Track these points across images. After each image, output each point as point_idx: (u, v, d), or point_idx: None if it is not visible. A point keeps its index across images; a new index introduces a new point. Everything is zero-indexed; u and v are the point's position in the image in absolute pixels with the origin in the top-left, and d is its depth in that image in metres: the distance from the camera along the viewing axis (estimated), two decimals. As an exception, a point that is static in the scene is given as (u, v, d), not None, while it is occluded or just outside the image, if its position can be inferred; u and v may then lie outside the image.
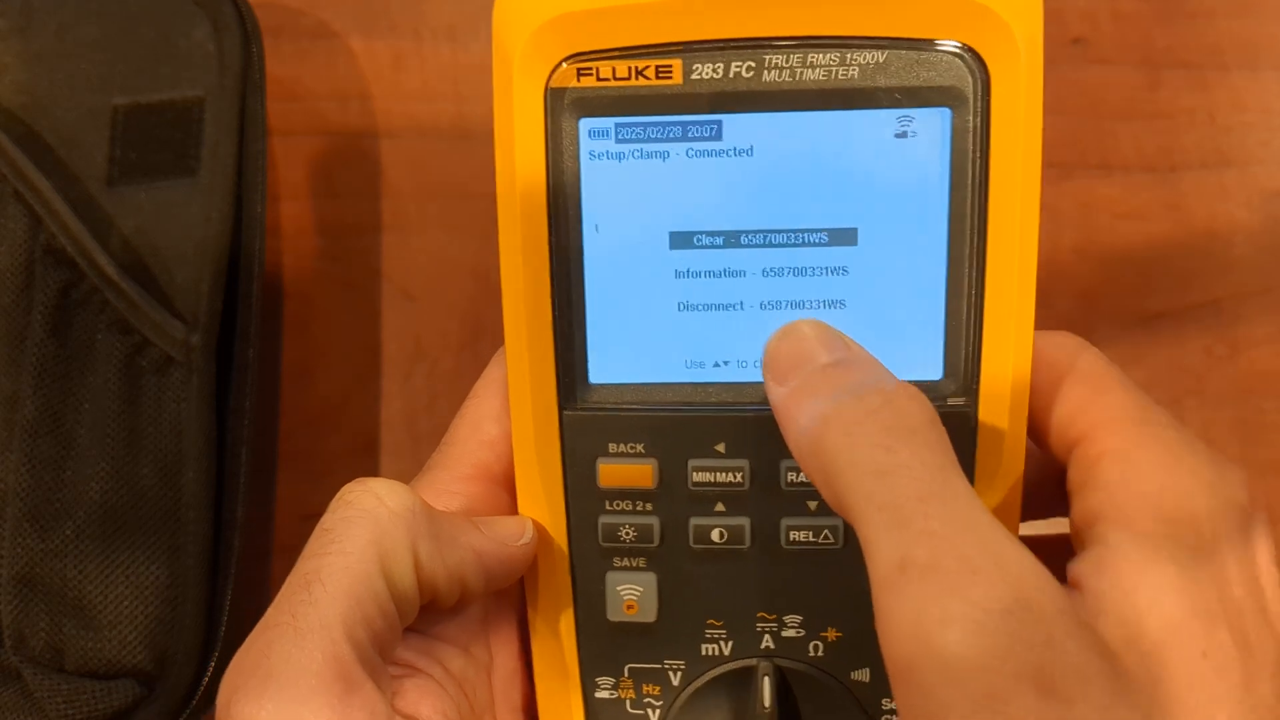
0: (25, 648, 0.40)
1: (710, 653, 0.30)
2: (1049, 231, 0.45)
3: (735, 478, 0.29)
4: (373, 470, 0.46)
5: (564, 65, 0.27)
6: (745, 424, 0.29)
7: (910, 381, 0.25)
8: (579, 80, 0.27)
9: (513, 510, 0.30)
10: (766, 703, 0.29)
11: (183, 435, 0.41)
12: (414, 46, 0.48)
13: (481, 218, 0.47)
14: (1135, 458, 0.26)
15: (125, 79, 0.43)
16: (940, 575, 0.21)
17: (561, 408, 0.29)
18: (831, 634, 0.29)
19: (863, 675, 0.30)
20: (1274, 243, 0.45)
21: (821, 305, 0.28)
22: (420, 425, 0.46)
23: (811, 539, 0.29)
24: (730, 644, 0.30)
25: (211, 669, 0.40)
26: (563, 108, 0.28)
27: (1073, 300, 0.45)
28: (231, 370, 0.42)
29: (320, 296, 0.47)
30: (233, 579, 0.41)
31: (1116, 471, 0.26)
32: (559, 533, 0.30)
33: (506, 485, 0.30)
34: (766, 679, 0.29)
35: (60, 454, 0.41)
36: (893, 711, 0.29)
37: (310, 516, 0.27)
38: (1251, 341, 0.45)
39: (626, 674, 0.30)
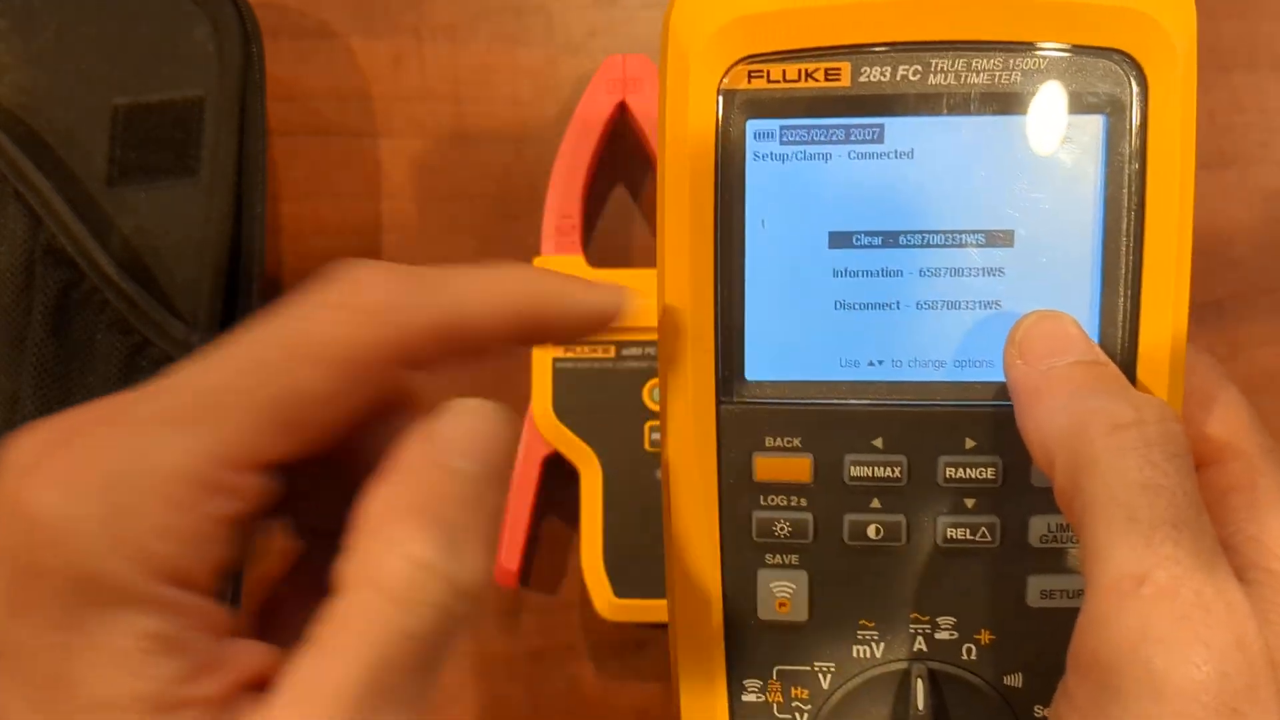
0: (25, 648, 0.40)
1: (861, 655, 0.30)
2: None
3: (893, 473, 0.29)
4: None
5: (737, 67, 0.28)
6: (904, 420, 0.29)
7: None
8: (750, 82, 0.28)
9: None
10: (921, 707, 0.29)
11: (183, 435, 0.41)
12: (414, 46, 0.48)
13: (481, 217, 0.47)
14: (1264, 499, 0.27)
15: (125, 79, 0.43)
16: (1175, 603, 0.23)
17: (719, 401, 0.29)
18: (985, 637, 0.29)
19: (1015, 680, 0.29)
20: (1274, 243, 0.45)
21: (977, 306, 0.29)
22: (420, 425, 0.46)
23: (968, 537, 0.29)
24: (882, 646, 0.29)
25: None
26: (733, 108, 0.28)
27: (1073, 300, 0.45)
28: (231, 370, 0.42)
29: (320, 296, 0.47)
30: (232, 580, 0.41)
31: (1246, 508, 0.27)
32: (711, 528, 0.29)
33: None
34: (920, 682, 0.29)
35: (60, 454, 0.41)
36: None
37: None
38: (1252, 341, 0.45)
39: (775, 676, 0.30)
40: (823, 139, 0.28)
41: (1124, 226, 0.28)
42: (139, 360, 0.41)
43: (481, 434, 0.23)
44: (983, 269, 0.28)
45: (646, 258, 0.47)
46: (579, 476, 0.43)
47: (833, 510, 0.29)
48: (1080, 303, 0.28)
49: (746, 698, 0.30)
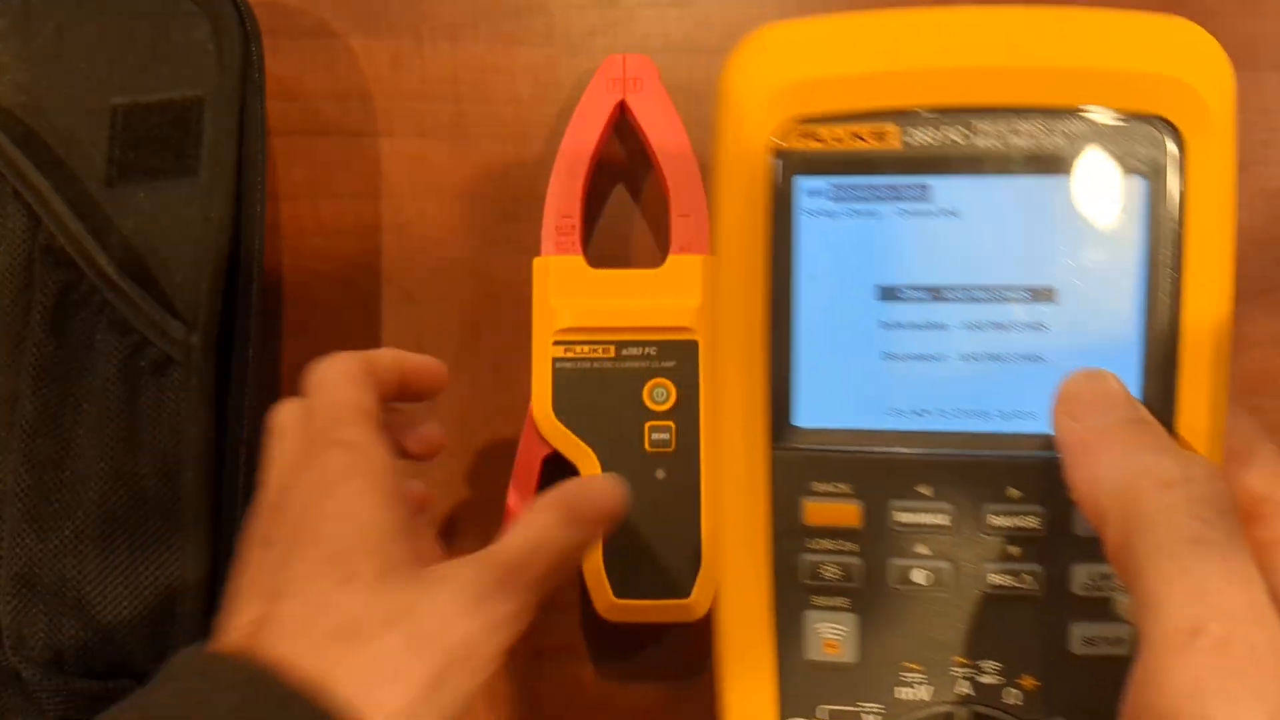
0: (25, 648, 0.40)
1: (907, 696, 0.30)
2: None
3: (939, 520, 0.30)
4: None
5: (790, 127, 0.29)
6: (950, 468, 0.29)
7: None
8: (802, 142, 0.29)
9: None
10: None
11: (182, 435, 0.41)
12: (414, 46, 0.48)
13: (481, 218, 0.47)
14: None
15: (124, 79, 0.43)
16: (1229, 655, 0.23)
17: (771, 447, 0.30)
18: (1029, 682, 0.30)
19: None
20: (1274, 243, 0.45)
21: (1020, 359, 0.29)
22: (420, 425, 0.46)
23: (1013, 584, 0.29)
24: (927, 688, 0.30)
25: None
26: (786, 167, 0.29)
27: (1073, 300, 0.45)
28: (231, 370, 0.42)
29: (320, 296, 0.47)
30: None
31: None
32: (761, 570, 0.30)
33: None
34: None
35: (59, 454, 0.41)
36: None
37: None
38: (1252, 341, 0.45)
39: (823, 716, 0.31)
40: (872, 196, 0.29)
41: (1166, 286, 0.28)
42: (138, 360, 0.41)
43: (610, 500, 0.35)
44: (1026, 324, 0.29)
45: (645, 258, 0.47)
46: (579, 477, 0.43)
47: (880, 555, 0.30)
48: (1123, 360, 0.29)
49: None
